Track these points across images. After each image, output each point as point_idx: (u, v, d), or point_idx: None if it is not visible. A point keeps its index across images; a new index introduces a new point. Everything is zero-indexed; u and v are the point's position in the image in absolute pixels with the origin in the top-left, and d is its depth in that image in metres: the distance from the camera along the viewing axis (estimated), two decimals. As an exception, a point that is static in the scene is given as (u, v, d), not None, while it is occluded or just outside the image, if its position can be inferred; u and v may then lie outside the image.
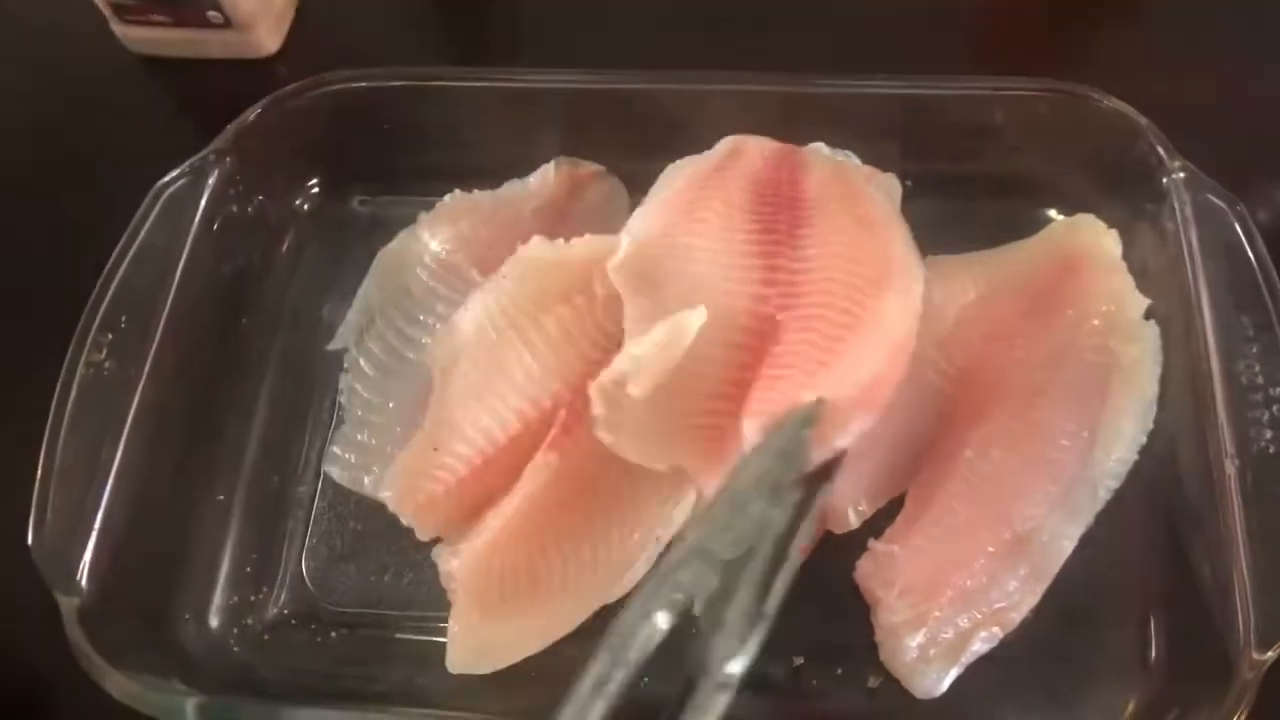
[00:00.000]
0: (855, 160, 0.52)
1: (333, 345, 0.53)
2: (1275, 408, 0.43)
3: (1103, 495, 0.45)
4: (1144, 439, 0.46)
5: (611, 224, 0.53)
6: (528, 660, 0.45)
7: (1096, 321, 0.48)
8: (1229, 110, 0.58)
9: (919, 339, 0.44)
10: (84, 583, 0.43)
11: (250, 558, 0.50)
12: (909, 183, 0.51)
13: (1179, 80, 0.58)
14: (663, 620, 0.36)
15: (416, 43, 0.67)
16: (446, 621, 0.45)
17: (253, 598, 0.49)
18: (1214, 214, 0.47)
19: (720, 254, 0.46)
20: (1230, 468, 0.42)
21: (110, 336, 0.48)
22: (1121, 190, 0.51)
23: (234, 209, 0.54)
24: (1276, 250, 0.46)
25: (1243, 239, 0.46)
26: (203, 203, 0.51)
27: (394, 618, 0.48)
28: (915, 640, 0.43)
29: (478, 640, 0.45)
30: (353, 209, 0.59)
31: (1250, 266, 0.46)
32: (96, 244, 0.50)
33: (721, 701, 0.34)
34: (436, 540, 0.47)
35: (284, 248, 0.57)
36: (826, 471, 0.41)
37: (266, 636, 0.48)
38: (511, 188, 0.56)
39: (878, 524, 0.47)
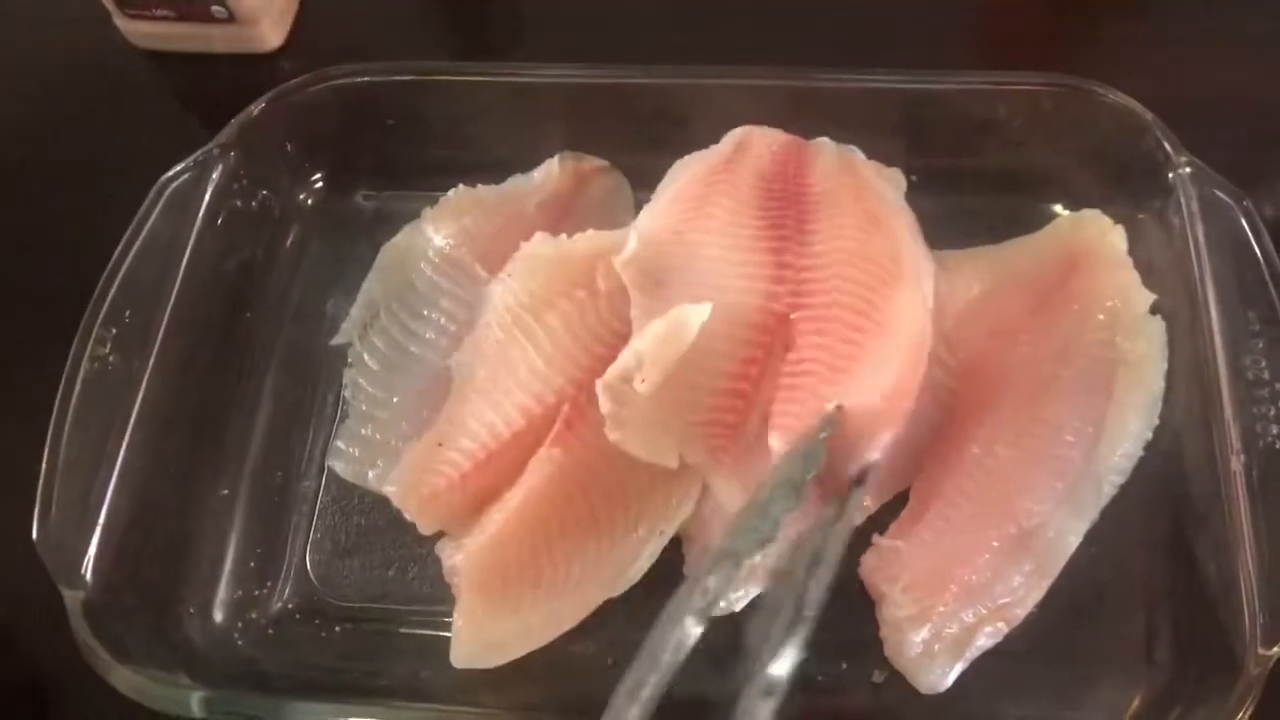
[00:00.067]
0: (860, 155, 0.52)
1: (336, 340, 0.53)
2: (1281, 403, 0.43)
3: (1108, 491, 0.45)
4: (1149, 435, 0.46)
5: (615, 219, 0.53)
6: (532, 655, 0.45)
7: (1102, 317, 0.48)
8: (1235, 105, 0.57)
9: (924, 335, 0.44)
10: (89, 576, 0.43)
11: (255, 552, 0.50)
12: (914, 177, 0.51)
13: (1185, 75, 0.58)
14: (693, 626, 0.37)
15: (419, 37, 0.67)
16: (450, 616, 0.45)
17: (257, 592, 0.49)
18: (1220, 209, 0.47)
19: (728, 250, 0.46)
20: (1236, 463, 0.42)
21: (114, 331, 0.48)
22: (1127, 185, 0.51)
23: (238, 204, 0.54)
24: (1283, 245, 0.46)
25: (1249, 234, 0.46)
26: (207, 197, 0.52)
27: (398, 612, 0.48)
28: (920, 635, 0.43)
29: (482, 635, 0.45)
30: (357, 204, 0.59)
31: (1256, 261, 0.46)
32: (101, 239, 0.50)
33: (768, 708, 0.35)
34: (440, 535, 0.47)
35: (288, 242, 0.57)
36: (860, 481, 0.43)
37: (271, 631, 0.48)
38: (515, 182, 0.56)
39: (882, 519, 0.47)
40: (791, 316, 0.45)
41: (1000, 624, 0.44)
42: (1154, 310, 0.48)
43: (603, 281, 0.47)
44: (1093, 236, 0.51)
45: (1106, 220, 0.51)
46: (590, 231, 0.49)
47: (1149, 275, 0.49)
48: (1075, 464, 0.45)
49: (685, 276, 0.45)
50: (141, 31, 0.65)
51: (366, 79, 0.55)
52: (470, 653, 0.45)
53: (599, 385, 0.42)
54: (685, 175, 0.49)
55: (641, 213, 0.49)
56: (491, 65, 0.57)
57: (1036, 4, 0.65)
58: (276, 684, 0.46)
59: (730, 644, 0.43)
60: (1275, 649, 0.39)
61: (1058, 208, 0.54)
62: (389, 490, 0.47)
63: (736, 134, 0.51)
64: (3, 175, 0.63)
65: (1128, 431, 0.46)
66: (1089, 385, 0.47)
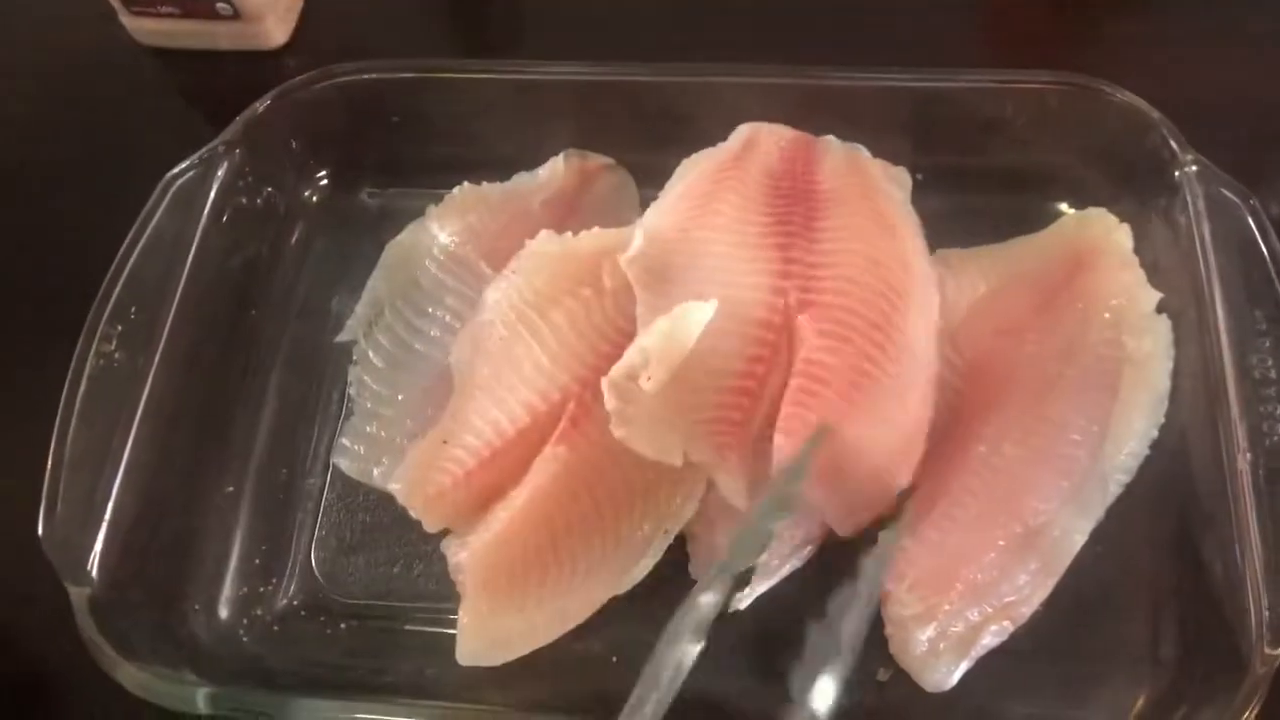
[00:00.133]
0: (865, 153, 0.52)
1: (341, 337, 0.53)
2: (1288, 402, 0.43)
3: (1114, 490, 0.45)
4: (1155, 433, 0.46)
5: (620, 216, 0.53)
6: (537, 652, 0.45)
7: (1108, 316, 0.48)
8: (1242, 103, 0.57)
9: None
10: (94, 573, 0.43)
11: (260, 549, 0.50)
12: (919, 176, 0.51)
13: (1191, 73, 0.58)
14: (691, 644, 0.38)
15: (424, 34, 0.67)
16: (455, 613, 0.45)
17: (262, 589, 0.49)
18: (1226, 208, 0.47)
19: (734, 246, 0.46)
20: (1243, 462, 0.42)
21: (120, 328, 0.48)
22: (1133, 184, 0.51)
23: (243, 201, 0.54)
24: (1289, 244, 0.46)
25: (1255, 233, 0.46)
26: (212, 194, 0.52)
27: (403, 609, 0.48)
28: (925, 634, 0.43)
29: (487, 632, 0.45)
30: (361, 201, 0.59)
31: (1263, 260, 0.46)
32: (106, 236, 0.50)
33: None
34: (445, 532, 0.47)
35: (293, 240, 0.57)
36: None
37: (276, 628, 0.48)
38: (520, 180, 0.56)
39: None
40: (798, 318, 0.44)
41: (1006, 622, 0.44)
42: (1160, 309, 0.48)
43: (608, 279, 0.47)
44: (1098, 235, 0.51)
45: (1112, 219, 0.51)
46: (595, 229, 0.49)
47: (1155, 274, 0.49)
48: (1081, 463, 0.45)
49: (691, 274, 0.45)
50: (147, 28, 0.65)
51: (371, 76, 0.55)
52: (476, 650, 0.45)
53: (604, 383, 0.42)
54: (693, 172, 0.49)
55: (648, 210, 0.49)
56: (497, 62, 0.57)
57: (1037, 3, 0.65)
58: (281, 681, 0.46)
59: (734, 644, 0.43)
60: (1281, 648, 0.39)
61: (1063, 206, 0.54)
62: (394, 487, 0.47)
63: (744, 131, 0.51)
64: (8, 172, 0.63)
65: (1133, 430, 0.46)
66: (1095, 384, 0.47)
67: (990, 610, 0.44)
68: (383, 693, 0.46)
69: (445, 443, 0.47)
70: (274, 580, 0.49)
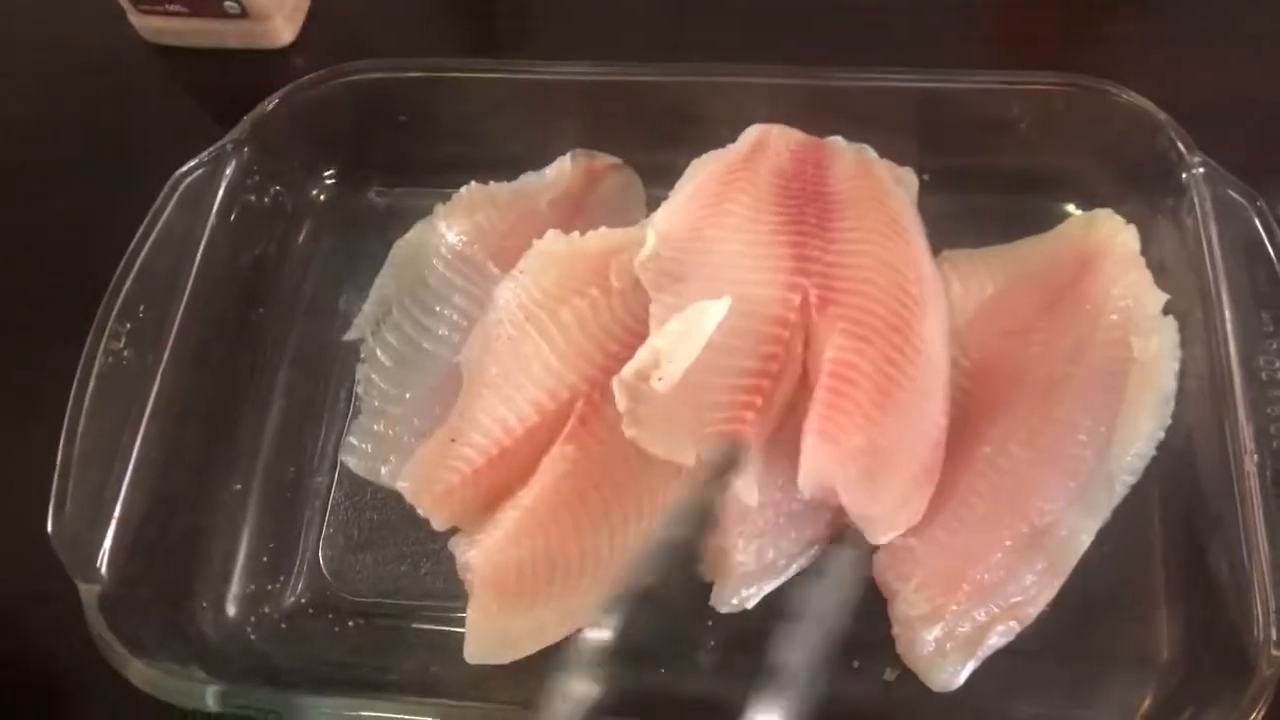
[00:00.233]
0: (872, 153, 0.52)
1: (349, 336, 0.53)
2: (1294, 403, 0.43)
3: (1120, 490, 0.45)
4: (1162, 434, 0.46)
5: (628, 216, 0.53)
6: (545, 651, 0.45)
7: (1115, 316, 0.48)
8: (1249, 105, 0.57)
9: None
10: (104, 570, 0.43)
11: (268, 547, 0.50)
12: (926, 177, 0.52)
13: (1198, 74, 0.58)
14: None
15: (431, 34, 0.67)
16: (463, 612, 0.45)
17: (270, 587, 0.49)
18: (1233, 209, 0.47)
19: (747, 245, 0.46)
20: (1249, 463, 0.42)
21: (129, 325, 0.48)
22: (1140, 185, 0.51)
23: (251, 199, 0.54)
24: (1296, 246, 0.46)
25: (1262, 234, 0.46)
26: (220, 193, 0.52)
27: (411, 607, 0.48)
28: (932, 634, 0.43)
29: (496, 630, 0.45)
30: (369, 200, 0.59)
31: (1270, 262, 0.46)
32: (115, 233, 0.50)
33: None
34: (453, 531, 0.47)
35: (301, 238, 0.57)
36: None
37: (284, 625, 0.48)
38: (528, 179, 0.56)
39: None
40: (818, 315, 0.44)
41: (1012, 623, 0.44)
42: (1167, 310, 0.48)
43: (616, 279, 0.47)
44: (1105, 236, 0.51)
45: (1119, 220, 0.51)
46: (603, 229, 0.49)
47: (1162, 275, 0.49)
48: (1088, 463, 0.45)
49: (704, 273, 0.45)
50: (155, 27, 0.65)
51: (379, 75, 0.55)
52: (484, 649, 0.45)
53: (616, 383, 0.42)
54: (703, 173, 0.49)
55: (659, 211, 0.49)
56: (505, 62, 0.57)
57: (1040, 3, 0.65)
58: (289, 678, 0.46)
59: (734, 644, 0.43)
60: (1288, 649, 0.39)
61: (1070, 207, 0.54)
62: (402, 486, 0.47)
63: (753, 132, 0.51)
64: (17, 170, 0.63)
65: (1140, 431, 0.46)
66: (1102, 385, 0.47)
67: (997, 610, 0.44)
68: (389, 690, 0.46)
69: (453, 441, 0.47)
70: (282, 578, 0.49)
